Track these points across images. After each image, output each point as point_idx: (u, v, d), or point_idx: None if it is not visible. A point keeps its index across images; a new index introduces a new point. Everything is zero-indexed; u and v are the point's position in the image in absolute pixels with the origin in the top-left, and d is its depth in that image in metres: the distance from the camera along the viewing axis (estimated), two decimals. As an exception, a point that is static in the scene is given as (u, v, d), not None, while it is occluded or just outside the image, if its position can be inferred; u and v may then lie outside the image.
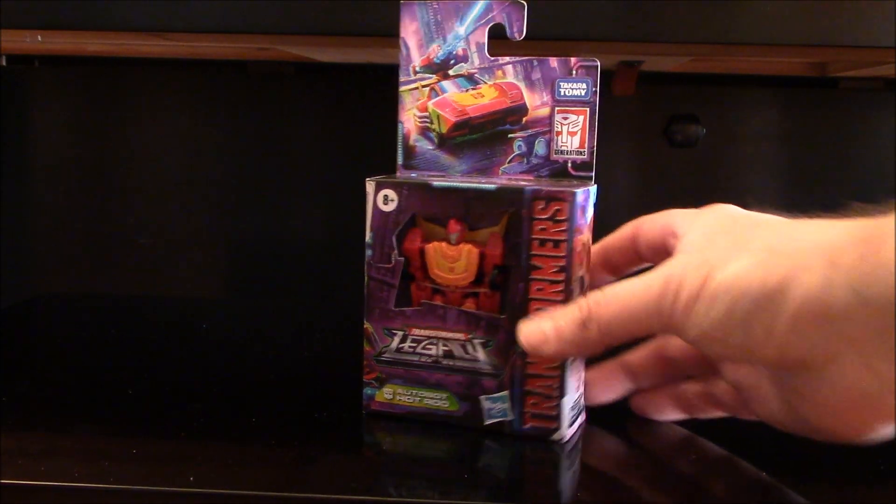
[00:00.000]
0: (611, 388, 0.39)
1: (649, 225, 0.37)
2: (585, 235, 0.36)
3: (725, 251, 0.31)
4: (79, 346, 0.52)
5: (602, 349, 0.34)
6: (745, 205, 0.35)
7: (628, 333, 0.33)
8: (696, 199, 0.61)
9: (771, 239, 0.30)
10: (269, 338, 0.55)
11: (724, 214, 0.34)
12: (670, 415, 0.39)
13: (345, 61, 0.62)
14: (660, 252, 0.36)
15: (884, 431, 0.30)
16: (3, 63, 0.66)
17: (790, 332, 0.28)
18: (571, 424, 0.37)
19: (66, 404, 0.40)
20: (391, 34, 0.38)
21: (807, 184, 0.63)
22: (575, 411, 0.37)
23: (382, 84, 0.67)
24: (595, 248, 0.38)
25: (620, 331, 0.33)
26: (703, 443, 0.37)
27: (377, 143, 0.66)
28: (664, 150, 0.63)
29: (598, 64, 0.37)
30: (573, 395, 0.36)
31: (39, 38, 0.47)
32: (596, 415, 0.39)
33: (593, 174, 0.37)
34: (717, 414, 0.38)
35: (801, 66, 0.58)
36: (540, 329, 0.34)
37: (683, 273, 0.31)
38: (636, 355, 0.39)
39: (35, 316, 0.61)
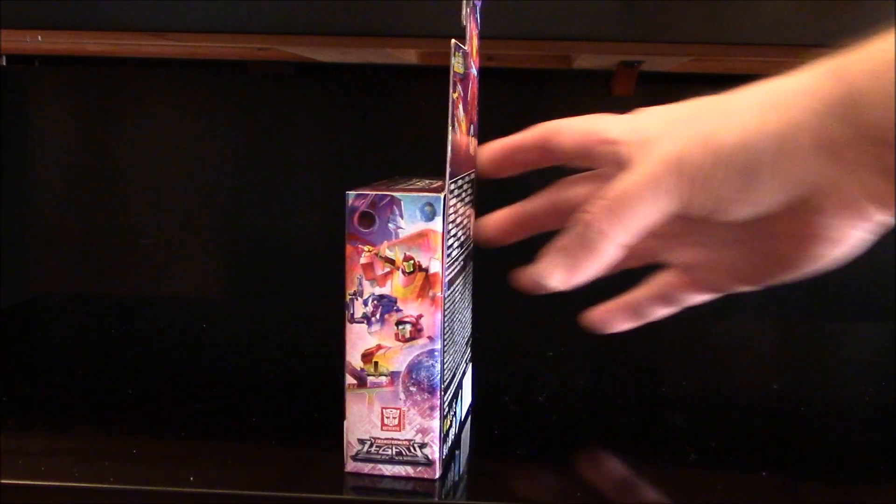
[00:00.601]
0: (510, 234, 0.38)
1: (567, 129, 0.36)
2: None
3: (709, 122, 0.31)
4: (79, 346, 0.52)
5: (618, 253, 0.33)
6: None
7: (644, 227, 0.32)
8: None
9: (743, 101, 0.32)
10: (269, 338, 0.55)
11: (665, 112, 0.34)
12: (622, 324, 0.38)
13: (345, 61, 0.62)
14: (582, 156, 0.36)
15: (854, 246, 0.32)
16: (3, 63, 0.66)
17: (805, 169, 0.30)
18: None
19: (66, 404, 0.40)
20: (391, 34, 0.38)
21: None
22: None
23: (382, 84, 0.67)
24: (493, 146, 0.37)
25: (638, 227, 0.32)
26: (703, 443, 0.37)
27: (377, 143, 0.66)
28: (664, 150, 0.63)
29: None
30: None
31: (39, 38, 0.47)
32: (596, 415, 0.39)
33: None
34: (667, 311, 0.38)
35: (801, 65, 0.58)
36: (554, 261, 0.33)
37: (681, 149, 0.31)
38: (532, 203, 0.38)
39: (35, 316, 0.61)
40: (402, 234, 0.31)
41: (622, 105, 0.63)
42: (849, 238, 0.31)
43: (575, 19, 0.39)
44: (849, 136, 0.29)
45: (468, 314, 0.38)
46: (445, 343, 0.32)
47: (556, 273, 0.33)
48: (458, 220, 0.34)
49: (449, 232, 0.32)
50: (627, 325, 0.38)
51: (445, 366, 0.32)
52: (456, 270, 0.34)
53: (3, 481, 0.31)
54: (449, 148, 0.30)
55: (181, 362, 0.49)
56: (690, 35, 0.40)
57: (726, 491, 0.33)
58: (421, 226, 0.31)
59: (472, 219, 0.37)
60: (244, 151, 0.65)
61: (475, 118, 0.37)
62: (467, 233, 0.36)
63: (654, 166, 0.32)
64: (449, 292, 0.32)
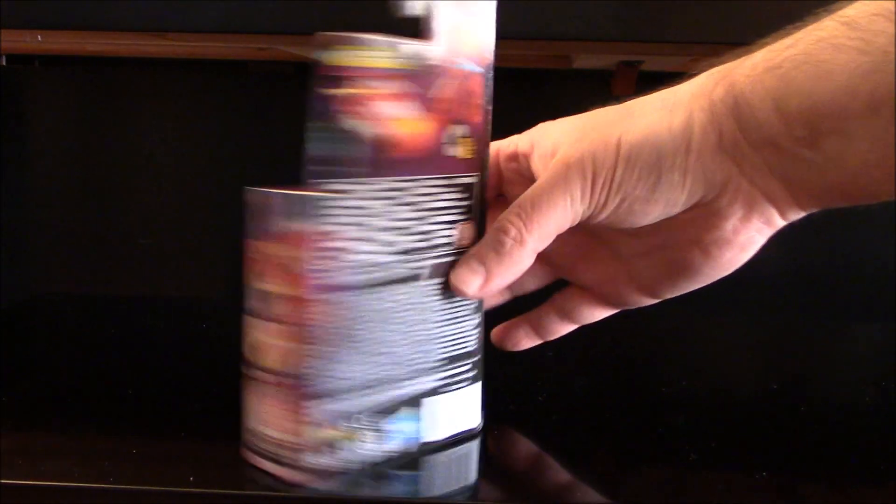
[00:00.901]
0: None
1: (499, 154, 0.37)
2: None
3: (612, 125, 0.32)
4: (79, 346, 0.52)
5: (532, 260, 0.34)
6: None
7: (557, 231, 0.33)
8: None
9: (646, 104, 0.32)
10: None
11: (567, 121, 0.35)
12: (525, 341, 0.39)
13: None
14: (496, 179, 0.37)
15: (747, 253, 0.32)
16: (3, 63, 0.66)
17: (707, 167, 0.30)
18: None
19: (66, 404, 0.40)
20: (391, 34, 0.38)
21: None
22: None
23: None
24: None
25: (551, 231, 0.33)
26: (703, 443, 0.37)
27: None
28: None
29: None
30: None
31: (39, 38, 0.47)
32: (595, 415, 0.39)
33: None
34: (568, 328, 0.38)
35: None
36: (470, 268, 0.34)
37: (588, 151, 0.32)
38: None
39: (35, 316, 0.61)
40: (278, 231, 0.31)
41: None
42: (754, 242, 0.32)
43: (575, 19, 0.39)
44: (739, 137, 0.30)
45: (448, 330, 0.35)
46: (337, 349, 0.31)
47: (472, 280, 0.34)
48: (390, 226, 0.32)
49: (340, 235, 0.31)
50: (530, 343, 0.39)
51: (334, 374, 0.31)
52: (382, 277, 0.32)
53: (3, 481, 0.31)
54: (308, 147, 0.31)
55: (181, 362, 0.49)
56: (690, 35, 0.40)
57: (726, 491, 0.33)
58: (296, 226, 0.30)
59: (470, 228, 0.35)
60: (244, 151, 0.65)
61: (475, 118, 0.34)
62: (439, 240, 0.34)
63: (561, 169, 0.32)
64: (354, 297, 0.31)
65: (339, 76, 0.30)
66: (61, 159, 0.66)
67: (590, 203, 0.32)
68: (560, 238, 0.33)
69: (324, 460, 0.32)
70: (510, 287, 0.38)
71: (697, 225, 0.32)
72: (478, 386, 0.36)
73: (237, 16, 0.40)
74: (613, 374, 0.49)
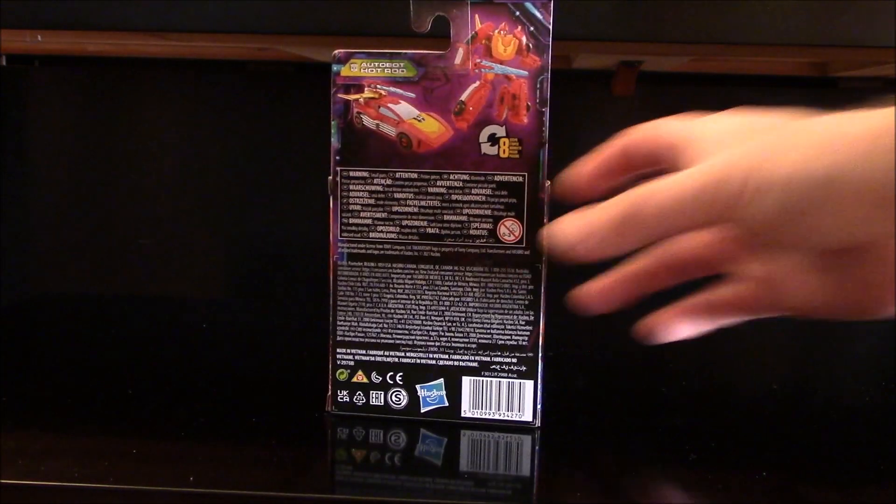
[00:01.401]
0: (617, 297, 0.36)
1: (636, 136, 0.35)
2: None
3: (775, 144, 0.30)
4: (79, 346, 0.52)
5: (637, 245, 0.32)
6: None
7: (675, 225, 0.31)
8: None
9: (812, 131, 0.30)
10: (268, 338, 0.55)
11: (728, 120, 0.33)
12: (681, 331, 0.36)
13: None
14: (652, 161, 0.34)
15: None
16: (3, 63, 0.66)
17: (856, 215, 0.28)
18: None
19: (66, 404, 0.40)
20: (391, 34, 0.38)
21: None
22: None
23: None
24: (584, 168, 0.36)
25: (670, 220, 0.30)
26: (702, 443, 0.37)
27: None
28: (664, 150, 0.63)
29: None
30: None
31: (39, 38, 0.47)
32: (595, 415, 0.39)
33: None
34: (730, 320, 0.36)
35: (801, 66, 0.58)
36: (574, 225, 0.32)
37: (742, 161, 0.30)
38: (637, 265, 0.36)
39: (35, 316, 0.61)
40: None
41: (622, 105, 0.63)
42: None
43: (575, 19, 0.39)
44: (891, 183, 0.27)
45: (488, 318, 0.38)
46: (364, 309, 0.38)
47: (570, 233, 0.31)
48: (415, 212, 0.37)
49: (353, 212, 0.38)
50: (688, 333, 0.36)
51: (361, 329, 0.38)
52: (409, 256, 0.38)
53: (3, 481, 0.31)
54: (334, 139, 0.37)
55: (181, 362, 0.49)
56: (690, 35, 0.40)
57: (726, 491, 0.33)
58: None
59: (518, 225, 0.37)
60: (244, 151, 0.65)
61: (520, 119, 0.36)
62: (477, 231, 0.37)
63: (697, 178, 0.30)
64: (379, 268, 0.38)
65: (356, 84, 0.37)
66: (61, 159, 0.66)
67: (721, 212, 0.30)
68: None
69: (357, 404, 0.39)
70: (640, 286, 0.36)
71: (860, 262, 0.30)
72: (530, 383, 0.38)
73: (237, 16, 0.40)
74: (613, 373, 0.49)
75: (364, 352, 0.39)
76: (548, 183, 0.37)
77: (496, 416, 0.38)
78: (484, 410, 0.38)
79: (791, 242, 0.31)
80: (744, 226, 0.30)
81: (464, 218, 0.37)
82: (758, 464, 0.35)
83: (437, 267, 0.38)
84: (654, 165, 0.34)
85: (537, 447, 0.37)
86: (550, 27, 0.36)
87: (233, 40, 0.50)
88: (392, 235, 0.38)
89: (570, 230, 0.31)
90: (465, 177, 0.37)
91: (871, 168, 0.28)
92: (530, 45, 0.36)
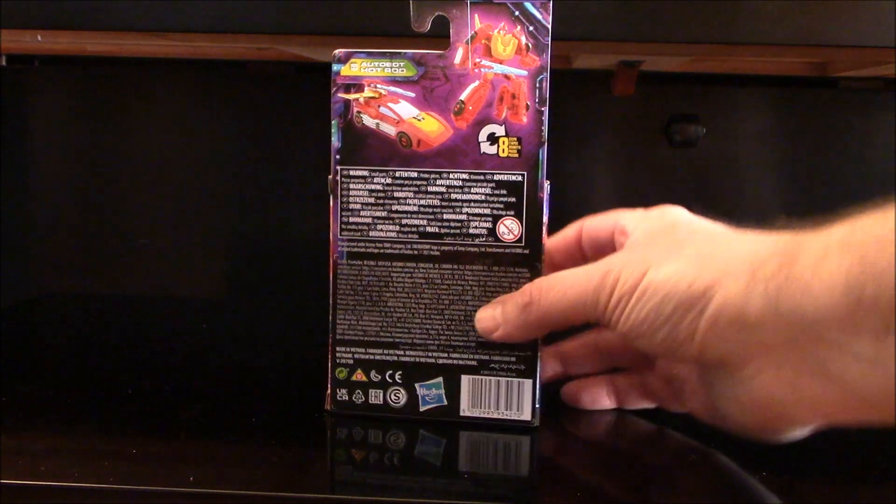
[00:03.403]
0: (541, 371, 0.39)
1: (597, 223, 0.39)
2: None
3: (663, 252, 0.33)
4: (79, 346, 0.52)
5: (543, 332, 0.36)
6: (743, 206, 0.35)
7: (566, 320, 0.35)
8: (696, 199, 0.61)
9: (705, 247, 0.32)
10: (268, 338, 0.55)
11: (668, 218, 0.36)
12: (601, 404, 0.40)
13: (345, 61, 0.61)
14: (606, 249, 0.37)
15: (793, 433, 0.32)
16: (3, 63, 0.66)
17: (710, 334, 0.30)
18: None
19: (66, 404, 0.40)
20: (391, 34, 0.38)
21: (806, 184, 0.63)
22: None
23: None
24: (576, 226, 0.40)
25: (559, 316, 0.35)
26: (701, 443, 0.37)
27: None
28: (664, 150, 0.63)
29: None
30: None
31: (39, 38, 0.46)
32: (594, 415, 0.39)
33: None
34: (646, 405, 0.40)
35: (801, 66, 0.58)
36: (491, 315, 0.36)
37: (622, 268, 0.33)
38: (571, 344, 0.41)
39: (35, 316, 0.61)
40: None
41: (622, 105, 0.63)
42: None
43: (575, 19, 0.39)
44: (776, 316, 0.28)
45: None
46: (363, 308, 0.38)
47: (488, 322, 0.36)
48: (415, 210, 0.38)
49: (353, 211, 0.38)
50: (611, 405, 0.40)
51: (360, 327, 0.38)
52: (409, 254, 0.38)
53: (3, 481, 0.31)
54: (334, 138, 0.37)
55: (181, 362, 0.49)
56: (690, 35, 0.40)
57: (726, 491, 0.33)
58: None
59: (517, 223, 0.37)
60: (244, 151, 0.65)
61: (519, 118, 0.37)
62: (477, 230, 0.37)
63: (596, 269, 0.34)
64: (378, 266, 0.38)
65: (356, 83, 0.37)
66: (61, 159, 0.66)
67: (601, 315, 0.33)
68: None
69: (356, 402, 0.39)
70: (566, 365, 0.42)
71: (712, 376, 0.33)
72: (529, 382, 0.38)
73: (237, 16, 0.40)
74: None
75: (363, 350, 0.38)
76: (547, 183, 0.37)
77: (495, 416, 0.38)
78: (483, 409, 0.38)
79: (655, 350, 0.33)
80: (616, 329, 0.33)
81: (463, 217, 0.37)
82: (758, 464, 0.35)
83: (436, 265, 0.38)
84: (608, 253, 0.36)
85: (535, 446, 0.37)
86: (549, 27, 0.36)
87: (233, 40, 0.50)
88: (392, 234, 0.38)
89: (485, 323, 0.36)
90: (465, 175, 0.37)
91: (745, 293, 0.29)
92: (529, 45, 0.36)
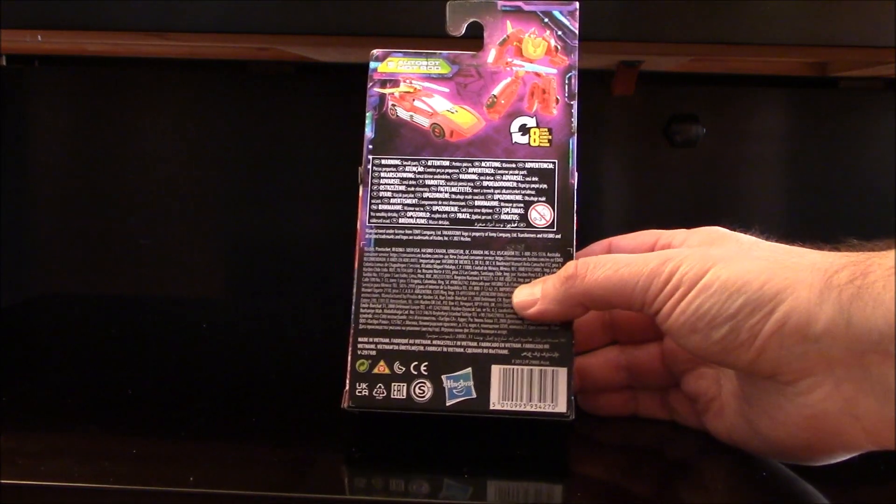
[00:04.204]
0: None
1: (630, 240, 0.38)
2: None
3: (730, 253, 0.31)
4: (78, 346, 0.52)
5: (581, 312, 0.35)
6: (744, 206, 0.35)
7: (607, 302, 0.33)
8: (696, 199, 0.61)
9: (774, 254, 0.31)
10: (269, 338, 0.55)
11: (721, 231, 0.35)
12: (617, 411, 0.39)
13: (345, 61, 0.62)
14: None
15: (836, 456, 0.31)
16: (3, 63, 0.66)
17: (772, 340, 0.29)
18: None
19: (66, 404, 0.40)
20: (391, 34, 0.38)
21: (807, 184, 0.63)
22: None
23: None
24: (604, 244, 0.39)
25: (602, 295, 0.33)
26: (701, 443, 0.37)
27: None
28: (664, 150, 0.63)
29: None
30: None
31: (39, 38, 0.46)
32: (591, 415, 0.39)
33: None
34: (660, 417, 0.39)
35: (801, 66, 0.58)
36: (530, 291, 0.35)
37: (684, 259, 0.31)
38: (592, 360, 0.40)
39: (35, 316, 0.61)
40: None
41: (622, 105, 0.63)
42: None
43: (575, 19, 0.39)
44: (842, 331, 0.28)
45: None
46: (390, 296, 0.37)
47: (526, 299, 0.35)
48: (446, 198, 0.38)
49: (383, 199, 0.38)
50: (627, 412, 0.39)
51: (385, 316, 0.37)
52: (439, 241, 0.37)
53: (2, 481, 0.31)
54: (368, 129, 0.38)
55: (181, 362, 0.49)
56: (690, 35, 0.40)
57: (726, 491, 0.33)
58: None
59: (548, 209, 0.37)
60: (244, 151, 0.65)
61: (549, 111, 0.38)
62: (508, 216, 0.37)
63: (655, 257, 0.32)
64: (407, 253, 0.37)
65: (392, 79, 0.38)
66: (61, 159, 0.66)
67: (650, 302, 0.32)
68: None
69: (377, 397, 0.36)
70: (584, 381, 0.39)
71: (756, 389, 0.31)
72: (564, 371, 0.36)
73: (237, 16, 0.40)
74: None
75: (388, 340, 0.36)
76: (577, 173, 0.37)
77: (528, 408, 0.36)
78: (514, 401, 0.36)
79: (705, 350, 0.31)
80: (665, 322, 0.31)
81: (495, 203, 0.37)
82: (757, 464, 0.35)
83: (467, 251, 0.37)
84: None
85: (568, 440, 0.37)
86: (577, 31, 0.38)
87: (233, 40, 0.50)
88: (422, 221, 0.37)
89: (522, 296, 0.35)
90: (497, 164, 0.38)
91: (817, 302, 0.28)
92: (559, 47, 0.38)
